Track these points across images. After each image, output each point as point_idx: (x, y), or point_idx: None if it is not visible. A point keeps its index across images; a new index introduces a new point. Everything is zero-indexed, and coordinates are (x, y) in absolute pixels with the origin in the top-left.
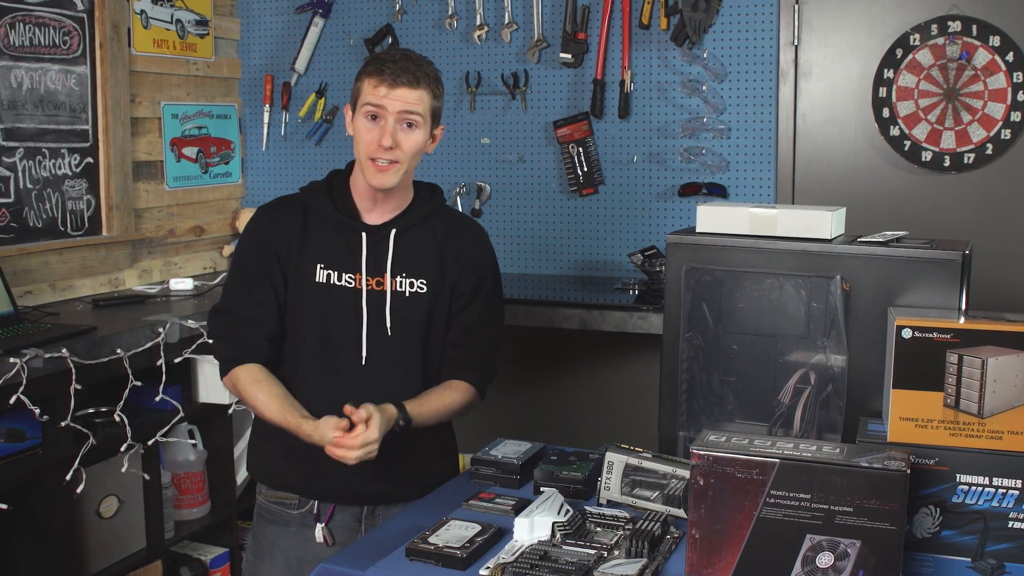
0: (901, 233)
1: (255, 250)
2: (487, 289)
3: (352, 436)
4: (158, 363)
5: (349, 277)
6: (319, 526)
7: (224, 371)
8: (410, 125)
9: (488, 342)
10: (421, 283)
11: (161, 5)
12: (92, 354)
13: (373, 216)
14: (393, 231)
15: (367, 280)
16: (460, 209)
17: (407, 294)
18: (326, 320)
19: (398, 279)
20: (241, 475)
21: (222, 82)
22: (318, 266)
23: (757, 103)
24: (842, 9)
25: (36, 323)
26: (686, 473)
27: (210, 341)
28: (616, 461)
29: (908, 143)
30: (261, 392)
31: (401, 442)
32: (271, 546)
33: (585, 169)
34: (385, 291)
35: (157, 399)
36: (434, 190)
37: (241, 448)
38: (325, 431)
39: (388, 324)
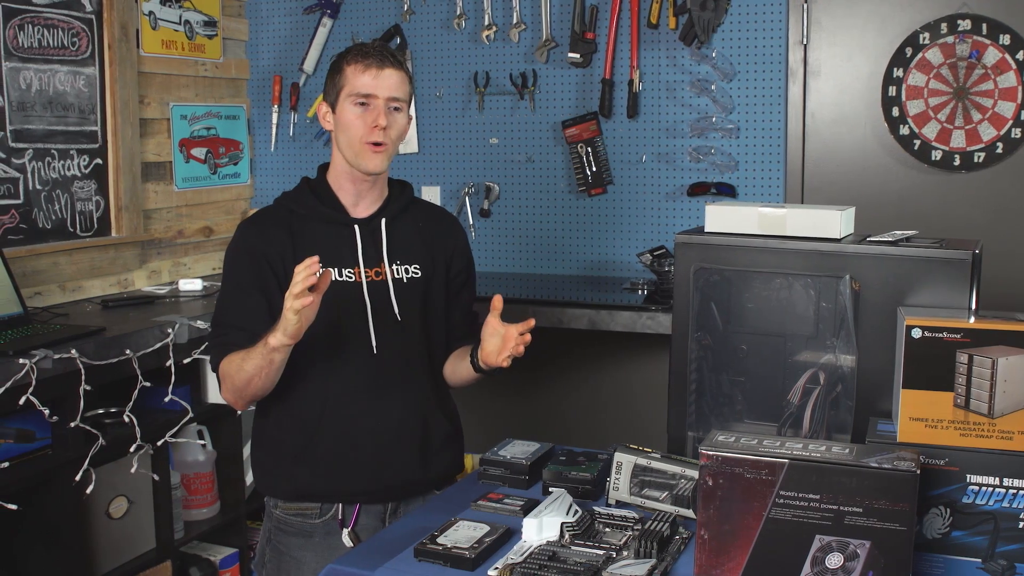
0: (911, 232)
1: (245, 262)
2: (473, 269)
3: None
4: (167, 364)
5: (348, 272)
6: (345, 531)
7: (218, 379)
8: (396, 109)
9: (477, 316)
10: (415, 268)
11: (169, 6)
12: (101, 355)
13: (359, 210)
14: (384, 220)
15: (365, 271)
16: (469, 209)
17: (405, 280)
18: (332, 317)
19: (395, 267)
20: (250, 475)
21: (231, 83)
22: None
23: (766, 102)
24: (851, 8)
25: (45, 324)
26: (695, 473)
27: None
28: (625, 461)
29: (918, 142)
30: (236, 357)
31: (417, 428)
32: (295, 559)
33: (594, 169)
34: (386, 280)
35: (166, 400)
36: (404, 184)
37: (250, 449)
38: (294, 281)
39: (396, 311)
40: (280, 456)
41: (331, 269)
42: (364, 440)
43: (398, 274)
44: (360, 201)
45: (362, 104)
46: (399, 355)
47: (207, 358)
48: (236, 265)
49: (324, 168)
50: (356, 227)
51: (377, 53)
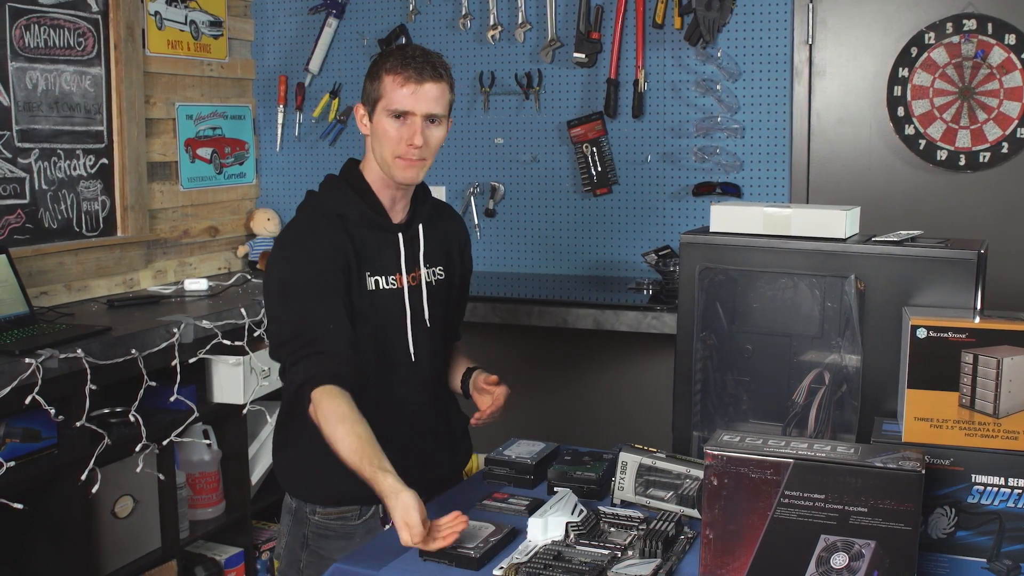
0: (916, 232)
1: (319, 268)
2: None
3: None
4: (173, 363)
5: (392, 279)
6: (387, 528)
7: (304, 395)
8: (434, 122)
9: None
10: (440, 270)
11: (175, 6)
12: (107, 354)
13: (395, 214)
14: (421, 227)
15: (405, 278)
16: (474, 209)
17: (434, 283)
18: (379, 325)
19: (427, 271)
20: (256, 475)
21: (236, 83)
22: (366, 273)
23: (771, 102)
24: (857, 8)
25: (51, 323)
26: (700, 473)
27: (280, 378)
28: (630, 461)
29: (923, 142)
30: (341, 428)
31: (444, 424)
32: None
33: (599, 169)
34: (420, 285)
35: (172, 399)
36: (424, 185)
37: (255, 448)
38: (408, 514)
39: (427, 315)
40: (317, 463)
41: (379, 277)
42: (403, 442)
43: (429, 278)
44: (395, 205)
45: (399, 116)
46: (430, 358)
47: (213, 358)
48: (303, 271)
49: (351, 165)
50: (399, 234)
51: (417, 65)
